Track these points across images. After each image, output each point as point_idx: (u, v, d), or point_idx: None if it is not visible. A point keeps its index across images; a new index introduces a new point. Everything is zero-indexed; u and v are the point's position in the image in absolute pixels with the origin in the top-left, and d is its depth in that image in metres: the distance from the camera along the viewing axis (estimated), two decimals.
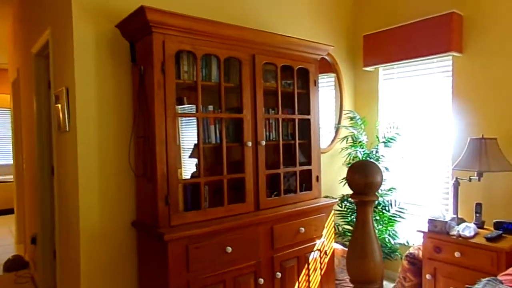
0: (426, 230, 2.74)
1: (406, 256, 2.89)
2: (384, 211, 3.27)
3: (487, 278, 1.69)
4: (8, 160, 7.20)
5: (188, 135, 2.47)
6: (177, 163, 2.19)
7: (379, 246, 0.97)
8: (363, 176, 0.94)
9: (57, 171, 2.75)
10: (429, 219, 2.73)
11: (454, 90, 3.07)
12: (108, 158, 2.30)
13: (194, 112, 2.38)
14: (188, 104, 2.37)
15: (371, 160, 0.95)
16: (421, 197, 3.35)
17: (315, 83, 2.94)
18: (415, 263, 2.83)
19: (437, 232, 2.68)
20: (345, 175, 3.58)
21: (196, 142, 2.33)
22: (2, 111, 7.59)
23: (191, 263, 2.10)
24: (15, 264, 4.07)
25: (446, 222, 2.66)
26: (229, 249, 2.25)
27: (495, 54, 2.84)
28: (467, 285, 1.91)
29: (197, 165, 2.38)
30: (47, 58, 2.97)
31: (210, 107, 2.46)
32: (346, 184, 3.51)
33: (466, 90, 2.99)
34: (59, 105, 2.48)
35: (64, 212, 2.59)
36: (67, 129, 2.35)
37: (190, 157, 2.46)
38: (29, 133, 3.81)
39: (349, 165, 3.49)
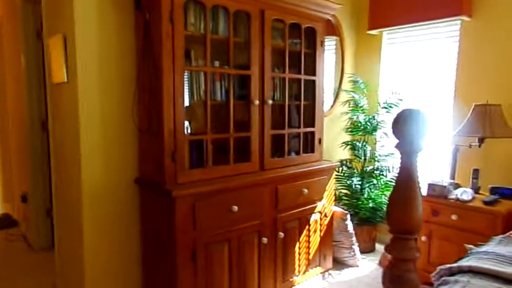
0: (424, 194, 2.79)
1: None
2: (382, 176, 3.31)
3: (500, 236, 1.73)
4: None
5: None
6: (184, 119, 2.11)
7: (421, 199, 0.95)
8: (410, 125, 0.90)
9: (52, 125, 2.62)
10: (428, 184, 2.78)
11: (460, 56, 3.04)
12: (110, 112, 2.19)
13: (201, 66, 2.27)
14: (195, 58, 2.26)
15: (415, 109, 0.90)
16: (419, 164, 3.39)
17: (322, 43, 2.85)
18: None
19: (436, 196, 2.73)
20: (344, 140, 3.60)
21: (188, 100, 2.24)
22: None
23: (197, 220, 2.08)
24: (4, 222, 3.98)
25: (445, 186, 2.71)
26: (235, 208, 2.24)
27: (506, 18, 2.79)
28: (469, 245, 1.96)
29: (204, 122, 2.31)
30: (37, 3, 2.76)
31: (216, 63, 2.36)
32: (344, 149, 3.52)
33: (473, 56, 2.97)
34: (54, 55, 2.33)
35: (62, 169, 2.49)
36: (65, 80, 2.21)
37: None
38: (16, 86, 3.61)
39: (350, 129, 3.49)
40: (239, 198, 2.27)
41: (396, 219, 0.94)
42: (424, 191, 2.81)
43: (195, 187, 2.07)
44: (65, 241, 2.54)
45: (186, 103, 2.20)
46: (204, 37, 2.18)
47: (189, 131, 2.28)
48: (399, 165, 0.97)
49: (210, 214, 2.14)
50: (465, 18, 2.93)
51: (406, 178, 0.94)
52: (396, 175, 0.98)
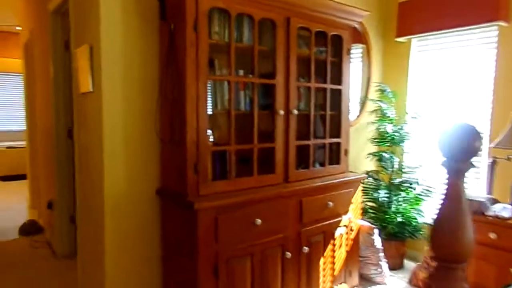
0: None
1: None
2: (410, 188, 3.16)
3: None
4: (20, 126, 7.12)
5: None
6: (207, 130, 2.07)
7: (471, 222, 0.85)
8: (460, 140, 0.81)
9: (77, 134, 2.64)
10: None
11: (498, 64, 2.88)
12: (134, 121, 2.18)
13: (225, 76, 2.23)
14: (219, 67, 2.22)
15: (464, 122, 0.81)
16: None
17: (348, 51, 2.76)
18: None
19: (472, 212, 2.57)
20: (370, 151, 3.48)
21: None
22: (13, 76, 7.45)
23: (220, 233, 2.02)
24: (30, 228, 4.05)
25: (482, 202, 2.55)
26: (259, 221, 2.16)
27: None
28: None
29: (226, 133, 2.26)
30: (65, 15, 2.81)
31: (241, 72, 2.32)
32: (371, 160, 3.40)
33: None
34: (81, 65, 2.35)
35: (85, 177, 2.50)
36: (91, 90, 2.22)
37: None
38: (44, 96, 3.69)
39: (376, 140, 3.37)
40: (263, 211, 2.20)
41: (442, 245, 0.84)
42: None
43: (218, 199, 2.01)
44: (87, 249, 2.54)
45: (209, 112, 2.17)
46: (229, 45, 2.14)
47: (212, 141, 2.23)
48: (446, 185, 0.87)
49: (233, 227, 2.07)
50: (502, 23, 2.78)
51: (454, 199, 0.84)
52: (442, 195, 0.88)
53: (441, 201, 0.89)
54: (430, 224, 3.18)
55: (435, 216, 0.90)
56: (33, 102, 4.38)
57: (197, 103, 2.00)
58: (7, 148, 7.42)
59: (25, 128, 5.05)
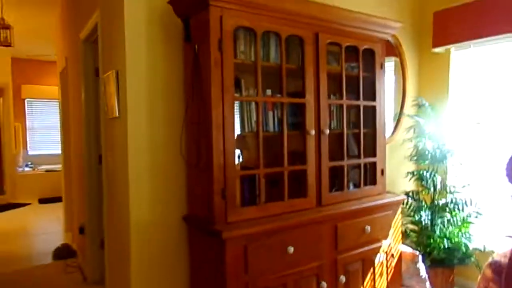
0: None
1: (490, 264, 2.51)
2: (457, 210, 2.90)
3: None
4: (57, 149, 7.38)
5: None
6: (235, 153, 1.97)
7: None
8: None
9: (105, 159, 2.63)
10: None
11: None
12: (159, 146, 2.13)
13: (252, 96, 2.14)
14: (245, 87, 2.14)
15: None
16: (499, 196, 2.94)
17: (382, 65, 2.61)
18: (500, 272, 2.46)
19: None
20: (408, 169, 3.25)
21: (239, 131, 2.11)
22: (51, 103, 7.79)
23: (250, 264, 1.89)
24: (64, 252, 4.08)
25: None
26: (291, 249, 2.02)
27: None
28: None
29: (254, 155, 2.16)
30: (95, 43, 2.86)
31: (268, 91, 2.22)
32: (410, 179, 3.18)
33: None
34: (108, 90, 2.34)
35: (113, 202, 2.46)
36: (117, 115, 2.20)
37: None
38: (77, 121, 3.76)
39: (415, 157, 3.15)
40: (295, 238, 2.06)
41: None
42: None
43: (247, 227, 1.90)
44: (114, 276, 2.48)
45: (237, 134, 2.08)
46: (255, 64, 2.06)
47: (239, 165, 2.13)
48: None
49: (264, 256, 1.94)
50: None
51: None
52: None
53: None
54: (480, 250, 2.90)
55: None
56: (68, 127, 4.50)
57: (223, 126, 1.91)
58: (45, 171, 7.69)
59: (60, 152, 5.20)
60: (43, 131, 8.08)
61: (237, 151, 2.06)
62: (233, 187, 1.95)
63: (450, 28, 3.03)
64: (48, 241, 4.70)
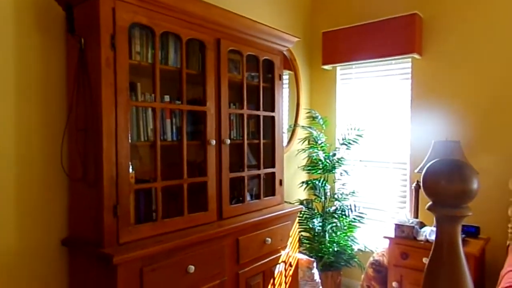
0: (391, 235, 2.64)
1: (371, 263, 2.75)
2: (344, 216, 3.12)
3: None
4: None
5: None
6: (129, 164, 1.74)
7: (471, 280, 0.70)
8: (454, 182, 0.67)
9: None
10: (396, 224, 2.63)
11: (413, 93, 3.04)
12: (31, 157, 1.75)
13: (149, 101, 1.94)
14: (141, 92, 1.93)
15: (454, 159, 0.67)
16: (378, 201, 3.28)
17: (280, 77, 2.67)
18: (380, 270, 2.71)
19: (404, 237, 2.59)
20: (302, 179, 3.40)
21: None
22: None
23: None
24: None
25: (413, 227, 2.58)
26: (192, 268, 1.86)
27: (453, 58, 2.86)
28: None
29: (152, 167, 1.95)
30: None
31: (166, 97, 2.05)
32: (305, 189, 3.32)
33: (425, 93, 2.98)
34: None
35: None
36: None
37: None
38: None
39: (309, 167, 3.30)
40: (196, 256, 1.91)
41: None
42: (391, 232, 2.66)
43: (142, 248, 1.68)
44: None
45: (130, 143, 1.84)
46: (153, 67, 1.87)
47: (133, 177, 1.89)
48: (436, 236, 0.73)
49: (162, 279, 1.74)
50: (416, 56, 2.96)
51: (449, 255, 0.69)
52: (432, 250, 0.73)
53: (432, 251, 0.74)
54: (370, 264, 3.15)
55: (426, 271, 0.75)
56: None
57: (116, 134, 1.67)
58: None
59: None
60: None
61: (132, 163, 1.83)
62: (126, 203, 1.71)
63: (336, 48, 3.30)
64: None
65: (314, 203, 3.25)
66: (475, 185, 0.68)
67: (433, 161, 0.72)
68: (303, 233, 3.22)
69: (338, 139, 3.34)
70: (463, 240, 2.49)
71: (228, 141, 2.23)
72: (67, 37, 1.83)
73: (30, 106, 1.75)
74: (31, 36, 1.75)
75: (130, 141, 1.75)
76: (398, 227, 2.61)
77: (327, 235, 3.12)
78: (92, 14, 1.65)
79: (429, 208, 0.73)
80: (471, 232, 2.61)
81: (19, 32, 1.72)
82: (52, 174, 1.82)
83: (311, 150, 3.30)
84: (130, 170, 1.76)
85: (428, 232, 2.54)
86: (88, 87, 1.69)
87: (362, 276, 2.88)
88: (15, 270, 1.70)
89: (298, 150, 3.41)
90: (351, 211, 3.12)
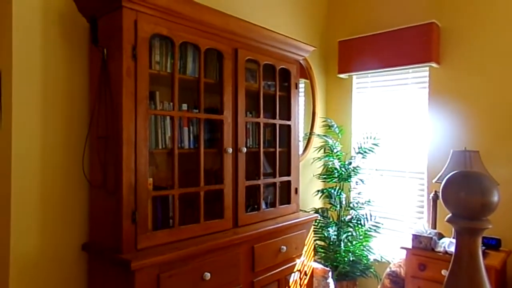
0: (409, 246, 2.60)
1: (388, 274, 2.72)
2: (359, 225, 3.09)
3: None
4: None
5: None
6: (147, 172, 1.78)
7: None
8: (474, 194, 0.67)
9: None
10: (414, 235, 2.59)
11: (430, 102, 3.01)
12: (55, 164, 1.81)
13: (167, 110, 1.98)
14: (160, 100, 1.97)
15: (474, 171, 0.67)
16: (394, 211, 3.23)
17: (297, 86, 2.69)
18: (397, 281, 2.67)
19: (422, 248, 2.55)
20: (317, 187, 3.39)
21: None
22: None
23: None
24: None
25: (431, 237, 2.53)
26: (208, 275, 1.88)
27: (472, 66, 2.82)
28: None
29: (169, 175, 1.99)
30: None
31: (184, 106, 2.09)
32: (320, 197, 3.30)
33: (443, 102, 2.95)
34: None
35: None
36: None
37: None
38: None
39: (324, 176, 3.29)
40: (212, 263, 1.92)
41: None
42: (409, 243, 2.62)
43: (159, 254, 1.70)
44: None
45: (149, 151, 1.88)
46: (172, 76, 1.91)
47: (151, 184, 1.93)
48: (456, 248, 0.73)
49: (179, 286, 1.76)
50: (434, 65, 2.93)
51: (469, 267, 0.69)
52: (451, 263, 0.73)
53: (452, 264, 0.74)
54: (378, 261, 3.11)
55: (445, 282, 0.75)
56: None
57: (135, 142, 1.71)
58: None
59: None
60: None
61: (150, 170, 1.86)
62: (144, 210, 1.75)
63: (352, 57, 3.30)
64: None
65: (329, 211, 3.23)
66: (495, 197, 0.67)
67: (453, 172, 0.72)
68: (318, 242, 3.20)
69: (354, 148, 3.33)
70: (484, 252, 2.43)
71: (245, 149, 2.25)
72: (90, 48, 1.89)
73: (55, 114, 1.81)
74: (56, 47, 1.82)
75: (148, 148, 1.79)
76: (416, 237, 2.57)
77: (342, 244, 3.10)
78: (115, 26, 1.70)
79: (449, 221, 0.73)
80: (492, 244, 2.55)
81: (46, 43, 1.79)
82: (74, 180, 1.87)
83: (326, 158, 3.29)
84: (148, 177, 1.80)
85: (447, 244, 2.50)
86: (109, 96, 1.74)
87: (378, 287, 2.84)
88: (36, 273, 1.75)
89: (314, 158, 3.41)
90: (367, 220, 3.09)
